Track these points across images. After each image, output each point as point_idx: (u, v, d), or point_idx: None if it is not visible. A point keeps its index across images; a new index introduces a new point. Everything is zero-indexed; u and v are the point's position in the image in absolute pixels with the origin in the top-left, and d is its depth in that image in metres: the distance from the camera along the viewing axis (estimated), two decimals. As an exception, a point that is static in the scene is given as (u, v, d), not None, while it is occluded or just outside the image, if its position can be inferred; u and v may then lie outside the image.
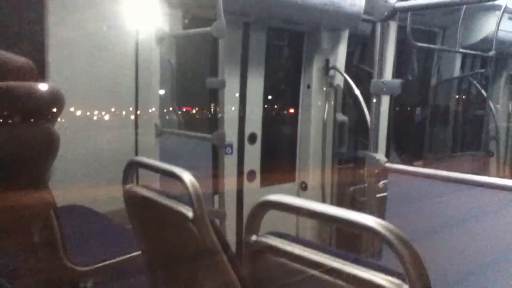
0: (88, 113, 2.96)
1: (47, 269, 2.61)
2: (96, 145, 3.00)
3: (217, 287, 1.45)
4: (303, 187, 4.33)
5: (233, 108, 3.83)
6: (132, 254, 2.36)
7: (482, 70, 5.16)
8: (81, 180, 2.89)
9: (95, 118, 3.00)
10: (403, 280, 0.91)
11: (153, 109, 3.17)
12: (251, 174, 4.11)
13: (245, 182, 4.05)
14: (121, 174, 1.68)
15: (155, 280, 1.75)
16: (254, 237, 1.17)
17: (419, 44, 3.97)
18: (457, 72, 5.14)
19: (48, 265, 2.52)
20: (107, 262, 2.35)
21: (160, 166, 1.51)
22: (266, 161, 4.20)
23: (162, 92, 3.21)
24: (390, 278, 0.93)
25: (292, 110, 4.34)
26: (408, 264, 0.86)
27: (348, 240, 3.80)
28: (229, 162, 3.70)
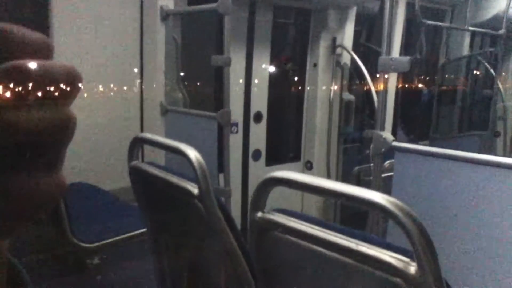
0: (93, 91, 2.94)
1: (54, 246, 2.64)
2: (100, 124, 3.00)
3: (222, 263, 1.46)
4: (309, 166, 4.33)
5: (238, 87, 3.80)
6: (137, 231, 2.38)
7: (491, 49, 5.08)
8: (86, 157, 2.90)
9: (100, 96, 2.99)
10: (411, 257, 0.90)
11: (158, 87, 3.15)
12: (257, 153, 4.10)
13: (250, 161, 4.05)
14: (126, 152, 1.67)
15: (160, 257, 1.76)
16: (259, 214, 1.16)
17: (428, 22, 3.90)
18: (465, 50, 5.06)
19: (54, 242, 2.55)
20: (113, 239, 2.38)
21: (165, 142, 1.50)
22: (271, 140, 4.19)
23: (167, 70, 3.19)
24: (397, 255, 0.92)
25: (298, 89, 4.30)
26: (417, 241, 0.85)
27: (353, 218, 3.81)
28: (235, 140, 3.69)
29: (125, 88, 3.16)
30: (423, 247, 0.85)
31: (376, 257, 0.94)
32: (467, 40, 5.04)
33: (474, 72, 5.44)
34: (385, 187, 2.17)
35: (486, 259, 1.62)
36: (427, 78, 5.24)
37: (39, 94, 0.26)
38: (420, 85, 5.24)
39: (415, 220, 0.85)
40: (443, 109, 5.13)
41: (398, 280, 0.91)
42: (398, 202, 0.86)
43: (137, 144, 1.62)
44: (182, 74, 3.39)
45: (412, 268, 0.89)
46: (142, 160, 2.55)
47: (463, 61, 5.27)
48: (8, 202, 0.27)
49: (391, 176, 2.09)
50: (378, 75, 2.79)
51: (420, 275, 0.87)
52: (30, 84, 0.26)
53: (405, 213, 0.85)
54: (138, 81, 3.21)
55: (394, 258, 0.92)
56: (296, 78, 4.33)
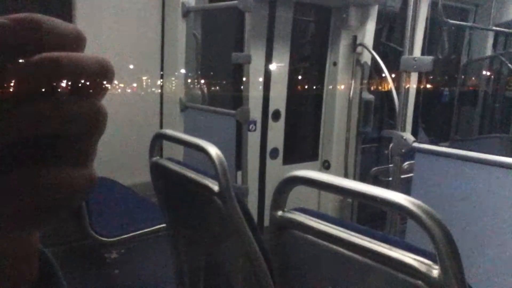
0: (113, 87, 2.97)
1: (73, 240, 2.68)
2: (120, 119, 3.02)
3: (240, 260, 1.46)
4: (326, 165, 4.30)
5: (257, 84, 3.80)
6: (156, 226, 2.40)
7: (515, 50, 4.98)
8: (106, 152, 2.92)
9: (120, 92, 3.01)
10: (433, 260, 0.89)
11: (178, 83, 3.17)
12: (274, 151, 4.10)
13: (268, 159, 4.04)
14: (146, 148, 1.68)
15: (179, 252, 1.77)
16: (280, 213, 1.16)
17: (451, 21, 3.85)
18: (489, 50, 4.97)
19: (74, 236, 2.58)
20: (131, 234, 2.40)
21: (186, 139, 1.51)
22: (289, 138, 4.18)
23: (187, 66, 3.20)
24: (419, 258, 0.91)
25: (317, 88, 4.28)
26: (440, 244, 0.83)
27: (370, 218, 3.78)
28: (252, 138, 3.70)
29: (145, 84, 3.18)
30: (447, 250, 0.83)
31: (397, 259, 0.93)
32: (490, 40, 4.95)
33: (497, 72, 5.34)
34: (404, 188, 2.14)
35: (509, 263, 1.59)
36: (449, 78, 5.16)
37: (71, 86, 0.26)
38: (441, 85, 5.16)
39: (439, 223, 0.84)
40: (464, 110, 5.06)
41: (419, 282, 0.90)
42: (422, 204, 0.85)
43: (159, 140, 1.63)
44: (201, 71, 3.40)
45: (435, 271, 0.87)
46: (161, 155, 2.57)
47: (486, 62, 5.18)
48: (39, 194, 0.27)
49: (409, 177, 2.07)
50: (394, 75, 2.75)
51: (443, 279, 0.85)
52: (62, 77, 0.26)
53: (429, 216, 0.84)
54: (159, 77, 3.23)
55: (417, 260, 0.91)
56: (315, 77, 4.31)
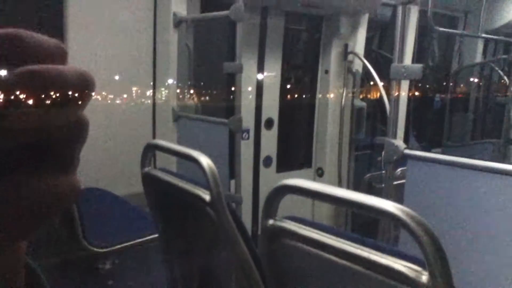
0: (105, 97, 2.97)
1: (66, 251, 2.66)
2: (113, 129, 3.02)
3: (233, 270, 1.46)
4: (320, 173, 4.31)
5: (250, 93, 3.81)
6: (149, 237, 2.39)
7: (505, 56, 5.04)
8: (98, 162, 2.92)
9: (113, 101, 3.01)
10: (423, 266, 0.90)
11: (171, 93, 3.17)
12: (268, 159, 4.10)
13: (261, 168, 4.05)
14: (139, 158, 1.68)
15: (171, 262, 1.77)
16: (271, 221, 1.17)
17: (440, 29, 3.89)
18: (479, 58, 5.03)
19: (66, 247, 2.57)
20: (124, 244, 2.39)
21: (177, 149, 1.51)
22: (282, 146, 4.19)
23: (179, 76, 3.21)
24: (409, 264, 0.92)
25: (309, 96, 4.30)
26: (428, 250, 0.84)
27: (364, 225, 3.78)
28: (246, 147, 3.70)
29: (138, 94, 3.18)
30: (435, 256, 0.84)
31: (387, 265, 0.94)
32: (480, 47, 5.00)
33: (487, 79, 5.40)
34: (397, 195, 2.15)
35: (500, 269, 1.60)
36: (440, 85, 5.21)
37: (52, 98, 0.27)
38: (432, 92, 5.20)
39: (427, 229, 0.85)
40: (456, 116, 5.10)
41: (409, 289, 0.91)
42: (410, 211, 0.86)
43: (150, 151, 1.63)
44: (194, 80, 3.41)
45: (424, 277, 0.88)
46: (155, 165, 2.56)
47: (476, 68, 5.23)
48: (21, 203, 0.28)
49: (402, 183, 2.08)
50: (386, 82, 2.78)
51: (432, 285, 0.86)
52: (43, 88, 0.26)
53: (417, 222, 0.85)
54: (151, 87, 3.23)
55: (406, 267, 0.91)
56: (307, 85, 4.33)
